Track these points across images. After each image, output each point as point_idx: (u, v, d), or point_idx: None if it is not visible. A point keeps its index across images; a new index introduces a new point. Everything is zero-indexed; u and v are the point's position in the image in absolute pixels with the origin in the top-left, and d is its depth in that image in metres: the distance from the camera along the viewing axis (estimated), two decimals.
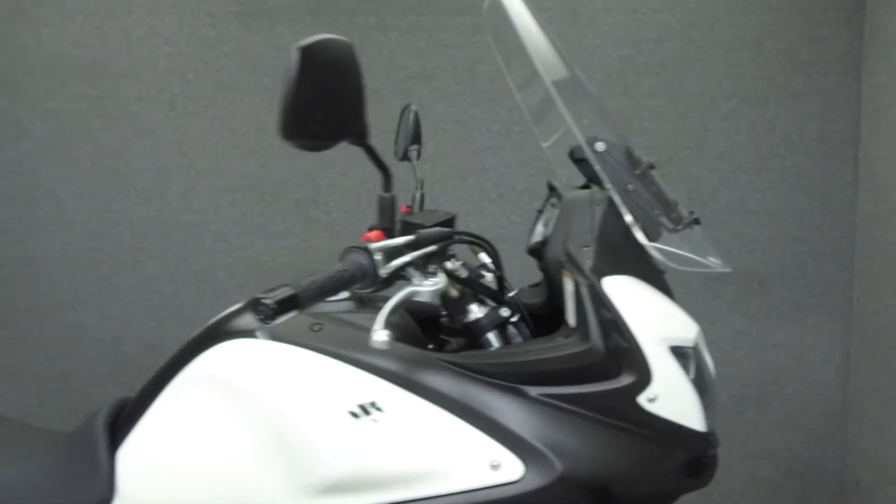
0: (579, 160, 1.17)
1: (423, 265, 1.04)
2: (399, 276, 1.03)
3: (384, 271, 0.98)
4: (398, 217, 1.16)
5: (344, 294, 1.13)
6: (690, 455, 1.01)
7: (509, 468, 0.95)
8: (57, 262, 2.40)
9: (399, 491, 0.97)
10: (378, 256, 0.97)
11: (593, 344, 0.98)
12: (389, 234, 1.10)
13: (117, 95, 2.35)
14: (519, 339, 1.10)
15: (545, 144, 1.29)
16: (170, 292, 2.39)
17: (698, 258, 1.10)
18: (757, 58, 2.28)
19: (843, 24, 2.23)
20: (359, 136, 1.06)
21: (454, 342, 1.16)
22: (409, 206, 1.27)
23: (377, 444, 0.97)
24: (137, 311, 2.40)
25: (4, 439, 1.23)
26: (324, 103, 0.97)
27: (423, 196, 1.27)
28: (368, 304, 1.13)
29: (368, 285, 0.97)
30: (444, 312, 1.14)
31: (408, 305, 1.14)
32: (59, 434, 1.24)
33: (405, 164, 1.41)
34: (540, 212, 1.29)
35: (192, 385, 1.07)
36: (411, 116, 1.33)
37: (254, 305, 0.88)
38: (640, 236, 1.07)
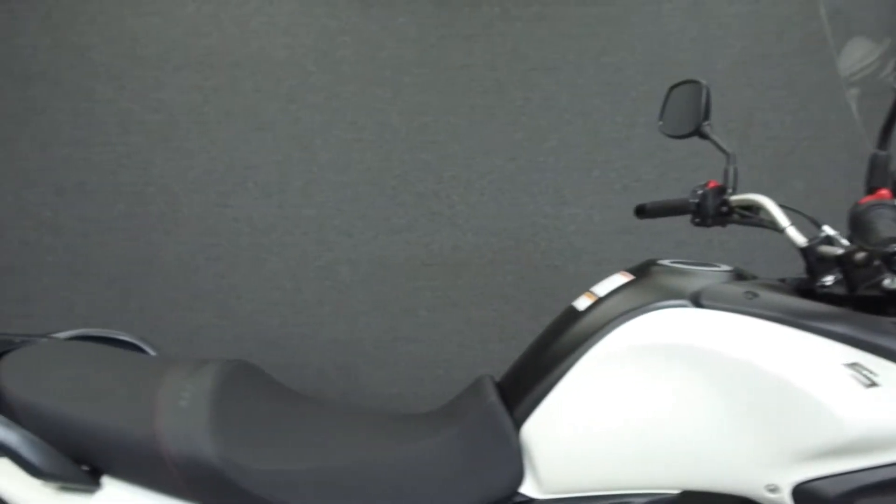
0: None
1: None
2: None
3: None
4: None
5: (725, 266, 1.13)
6: None
7: None
8: (171, 260, 2.32)
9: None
10: None
11: None
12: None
13: (233, 87, 2.27)
14: None
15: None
16: (292, 288, 2.34)
17: None
18: None
19: None
20: None
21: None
22: (718, 182, 1.26)
23: (882, 406, 0.97)
24: (257, 309, 2.34)
25: (383, 423, 1.18)
26: None
27: (735, 171, 1.25)
28: (748, 276, 1.13)
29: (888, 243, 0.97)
30: (825, 282, 1.12)
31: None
32: (426, 415, 1.20)
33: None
34: None
35: (617, 356, 1.04)
36: (704, 92, 1.30)
37: (888, 258, 0.89)
38: None
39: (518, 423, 1.09)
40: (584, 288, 2.36)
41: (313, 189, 2.31)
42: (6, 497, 1.03)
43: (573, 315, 1.14)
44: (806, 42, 2.33)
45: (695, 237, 2.37)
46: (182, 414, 1.04)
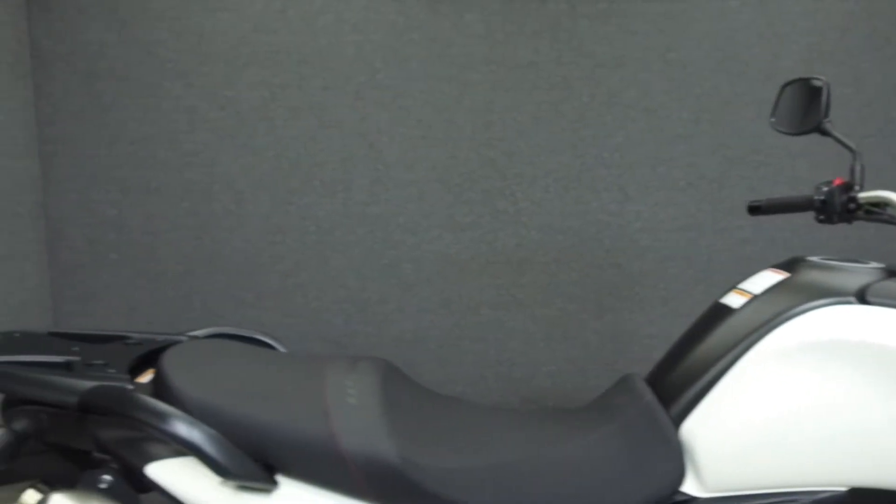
0: None
1: None
2: None
3: None
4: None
5: (874, 263, 1.14)
6: None
7: None
8: (236, 258, 2.31)
9: None
10: None
11: None
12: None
13: (301, 84, 2.26)
14: None
15: None
16: (356, 287, 2.33)
17: None
18: None
19: None
20: None
21: None
22: (844, 180, 1.27)
23: None
24: (323, 307, 2.33)
25: (537, 420, 1.17)
26: None
27: (863, 168, 1.26)
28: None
29: None
30: None
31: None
32: (576, 412, 1.19)
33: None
34: None
35: (785, 352, 1.04)
36: (824, 90, 1.29)
37: None
38: None
39: (676, 421, 1.09)
40: (649, 286, 2.36)
41: (378, 187, 2.30)
42: (187, 496, 1.01)
43: (726, 312, 1.14)
44: (870, 39, 2.33)
45: (758, 234, 2.37)
46: (355, 411, 1.03)
